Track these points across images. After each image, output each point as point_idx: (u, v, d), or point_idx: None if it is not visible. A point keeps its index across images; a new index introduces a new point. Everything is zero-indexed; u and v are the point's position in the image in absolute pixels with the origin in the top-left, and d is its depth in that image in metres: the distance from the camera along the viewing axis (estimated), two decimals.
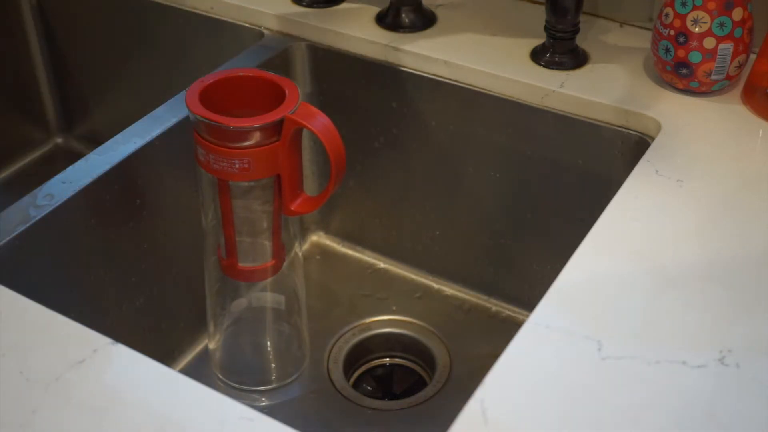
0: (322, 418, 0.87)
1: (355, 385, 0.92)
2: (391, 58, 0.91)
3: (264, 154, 0.70)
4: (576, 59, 0.87)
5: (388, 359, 0.95)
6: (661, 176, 0.73)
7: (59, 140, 1.23)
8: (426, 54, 0.89)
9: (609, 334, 0.59)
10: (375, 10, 0.95)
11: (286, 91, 0.71)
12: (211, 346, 0.88)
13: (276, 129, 0.69)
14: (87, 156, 0.79)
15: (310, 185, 1.02)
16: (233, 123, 0.68)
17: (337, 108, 0.94)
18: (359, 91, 0.94)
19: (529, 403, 0.55)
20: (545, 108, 0.85)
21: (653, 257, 0.65)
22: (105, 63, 1.12)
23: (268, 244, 0.78)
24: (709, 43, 0.78)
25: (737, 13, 0.78)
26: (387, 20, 0.93)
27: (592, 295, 0.62)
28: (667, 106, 0.81)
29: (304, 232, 1.05)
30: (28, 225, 0.72)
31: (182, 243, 0.88)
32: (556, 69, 0.86)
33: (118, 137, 0.81)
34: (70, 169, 0.78)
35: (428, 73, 0.90)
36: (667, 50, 0.80)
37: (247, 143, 0.69)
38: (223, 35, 0.99)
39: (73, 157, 0.81)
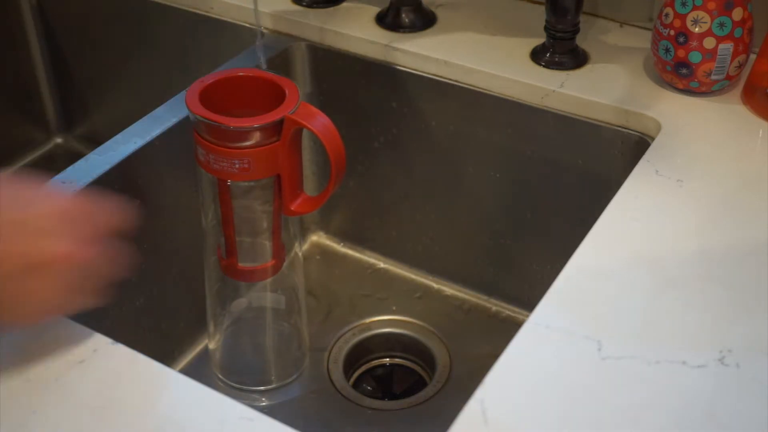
0: (322, 418, 0.87)
1: (355, 385, 0.92)
2: (391, 58, 0.91)
3: (264, 154, 0.70)
4: (576, 59, 0.87)
5: (388, 359, 0.95)
6: (661, 176, 0.73)
7: (59, 140, 1.23)
8: (426, 54, 0.89)
9: (609, 334, 0.59)
10: (375, 10, 0.95)
11: (286, 91, 0.71)
12: (211, 346, 0.88)
13: (276, 129, 0.69)
14: (87, 156, 0.79)
15: (310, 185, 1.02)
16: (233, 123, 0.68)
17: (337, 108, 0.93)
18: (359, 91, 0.94)
19: (529, 403, 0.55)
20: (545, 108, 0.85)
21: (653, 257, 0.65)
22: (105, 63, 1.12)
23: (268, 244, 0.78)
24: (709, 43, 0.78)
25: (737, 13, 0.78)
26: (387, 20, 0.93)
27: (592, 295, 0.62)
28: (667, 106, 0.81)
29: (304, 232, 1.05)
30: None
31: (182, 243, 0.87)
32: (556, 69, 0.86)
33: (118, 137, 0.81)
34: (70, 169, 0.77)
35: (428, 73, 0.90)
36: (667, 50, 0.80)
37: (247, 143, 0.69)
38: (223, 35, 0.99)
39: (73, 157, 0.81)
